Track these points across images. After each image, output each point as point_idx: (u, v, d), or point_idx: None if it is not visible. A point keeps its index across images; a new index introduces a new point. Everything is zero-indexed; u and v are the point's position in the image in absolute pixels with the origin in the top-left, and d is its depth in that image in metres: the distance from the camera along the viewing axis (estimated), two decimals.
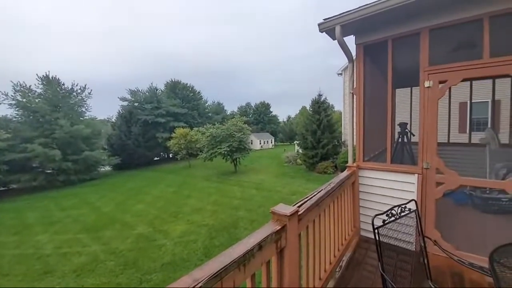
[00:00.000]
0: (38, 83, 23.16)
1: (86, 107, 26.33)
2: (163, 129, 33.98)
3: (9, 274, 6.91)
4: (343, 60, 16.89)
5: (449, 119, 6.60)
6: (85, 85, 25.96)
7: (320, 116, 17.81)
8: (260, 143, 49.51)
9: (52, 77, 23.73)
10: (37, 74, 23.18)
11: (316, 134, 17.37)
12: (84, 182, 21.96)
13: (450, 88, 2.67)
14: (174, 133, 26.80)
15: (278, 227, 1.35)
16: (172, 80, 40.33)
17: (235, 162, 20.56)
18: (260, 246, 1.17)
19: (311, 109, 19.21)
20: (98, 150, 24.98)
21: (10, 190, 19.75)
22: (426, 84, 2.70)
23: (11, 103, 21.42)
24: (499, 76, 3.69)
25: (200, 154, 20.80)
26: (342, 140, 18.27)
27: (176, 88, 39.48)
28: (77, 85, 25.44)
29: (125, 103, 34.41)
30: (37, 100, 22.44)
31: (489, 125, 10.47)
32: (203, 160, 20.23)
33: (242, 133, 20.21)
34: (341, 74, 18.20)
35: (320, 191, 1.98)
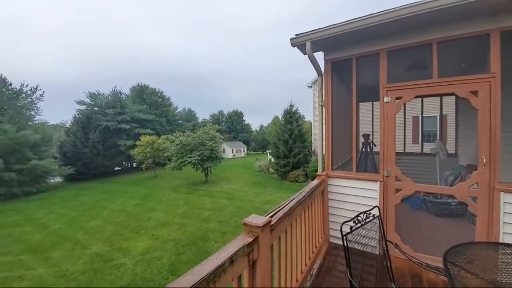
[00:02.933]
0: None
1: (36, 111, 23.66)
2: (127, 136, 31.89)
3: None
4: (313, 74, 17.93)
5: (404, 131, 7.33)
6: (37, 86, 23.44)
7: (291, 126, 18.43)
8: (233, 152, 49.22)
9: None
10: None
11: (288, 143, 17.88)
12: (29, 195, 19.35)
13: (405, 104, 3.00)
14: (140, 140, 25.30)
15: (250, 239, 1.33)
16: (139, 84, 38.44)
17: (206, 171, 20.07)
18: (231, 260, 1.14)
19: (283, 119, 19.80)
20: (48, 159, 22.36)
21: None
22: (385, 99, 2.99)
23: None
24: (446, 94, 4.24)
25: (168, 163, 19.89)
26: (312, 149, 19.06)
27: (143, 93, 37.66)
28: (26, 86, 22.83)
29: (83, 107, 31.70)
30: None
31: (437, 137, 11.88)
32: (171, 169, 19.36)
33: (214, 141, 19.92)
34: (311, 86, 19.19)
35: (291, 200, 2.03)
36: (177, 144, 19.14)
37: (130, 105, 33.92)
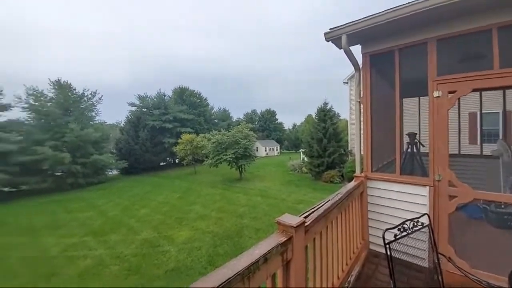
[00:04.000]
0: (50, 88, 23.92)
1: (96, 112, 26.99)
2: (170, 134, 34.36)
3: (17, 276, 6.95)
4: (349, 69, 16.93)
5: (459, 130, 6.45)
6: (96, 90, 26.71)
7: (326, 124, 17.73)
8: (266, 150, 49.43)
9: (63, 82, 24.49)
10: (49, 79, 23.98)
11: (322, 143, 17.25)
12: (91, 185, 22.23)
13: (459, 99, 2.61)
14: (181, 138, 27.06)
15: (284, 239, 1.31)
16: (179, 87, 41.05)
17: (240, 169, 20.52)
18: (265, 258, 1.13)
19: (316, 117, 19.17)
20: (106, 154, 25.38)
21: (20, 192, 20.11)
22: (435, 94, 2.65)
23: (24, 107, 22.11)
24: (510, 87, 3.60)
25: (206, 160, 20.86)
26: (349, 149, 18.07)
27: (183, 95, 40.12)
28: (87, 90, 26.19)
29: (134, 109, 35.12)
30: (48, 104, 23.11)
31: (500, 136, 10.19)
32: (209, 166, 20.26)
33: (247, 140, 20.25)
34: (347, 82, 18.18)
35: (327, 202, 1.94)
36: (213, 142, 19.95)
37: (172, 106, 36.45)
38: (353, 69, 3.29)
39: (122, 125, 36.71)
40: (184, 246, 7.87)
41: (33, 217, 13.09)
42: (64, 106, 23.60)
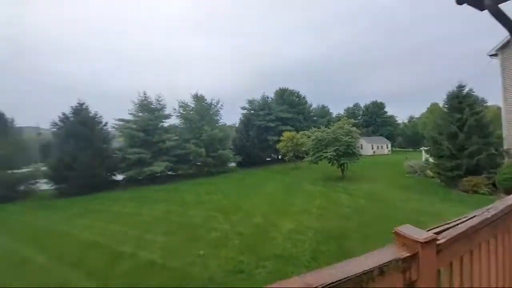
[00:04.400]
0: (192, 100, 31.46)
1: (220, 116, 33.09)
2: (273, 132, 37.00)
3: (174, 234, 9.71)
4: (495, 38, 11.98)
5: None
6: (218, 100, 32.74)
7: (462, 114, 13.53)
8: (373, 148, 43.63)
9: (199, 95, 31.54)
10: (190, 93, 31.60)
11: (457, 139, 13.31)
12: (219, 174, 27.67)
13: None
14: (282, 136, 28.57)
15: (406, 254, 1.11)
16: (280, 88, 43.24)
17: (342, 167, 19.26)
18: (381, 270, 0.98)
19: (446, 105, 14.98)
20: (227, 150, 30.82)
21: (177, 175, 27.96)
22: None
23: (177, 115, 30.44)
24: None
25: (306, 157, 21.00)
26: (505, 147, 12.96)
27: (283, 95, 41.98)
28: (213, 100, 32.55)
29: (245, 111, 40.33)
30: (191, 112, 30.55)
31: None
32: (309, 163, 20.31)
33: (349, 136, 18.66)
34: (495, 55, 13.00)
35: (471, 218, 1.54)
36: (313, 140, 19.72)
37: (274, 106, 39.08)
38: (508, 34, 2.31)
39: (237, 126, 43.16)
40: (289, 236, 8.40)
41: (184, 194, 17.85)
42: (200, 113, 30.45)
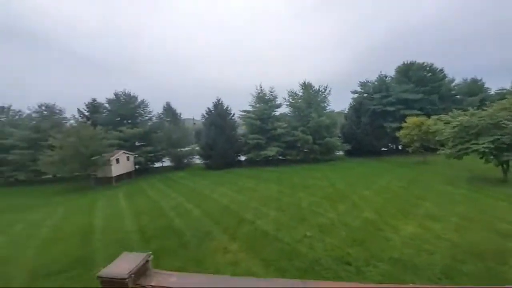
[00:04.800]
0: (300, 89, 31.86)
1: (327, 103, 31.58)
2: (392, 118, 30.98)
3: (284, 212, 10.69)
4: None
5: None
6: (326, 85, 31.11)
7: None
8: None
9: (306, 83, 31.35)
10: (298, 82, 31.97)
11: None
12: (324, 161, 27.19)
13: None
14: (405, 122, 23.38)
15: None
16: (404, 63, 34.62)
17: (504, 165, 13.54)
18: None
19: None
20: (334, 137, 29.31)
21: (286, 160, 30.03)
22: None
23: (287, 104, 31.96)
24: None
25: (442, 149, 16.22)
26: None
27: (408, 71, 33.43)
28: (321, 86, 31.31)
29: (356, 95, 36.03)
30: (299, 101, 31.11)
31: None
32: (447, 157, 15.61)
33: None
34: None
35: None
36: (454, 126, 14.76)
37: (395, 87, 32.12)
38: None
39: (345, 112, 39.61)
40: (410, 242, 7.20)
41: (293, 177, 19.06)
42: (308, 101, 30.44)
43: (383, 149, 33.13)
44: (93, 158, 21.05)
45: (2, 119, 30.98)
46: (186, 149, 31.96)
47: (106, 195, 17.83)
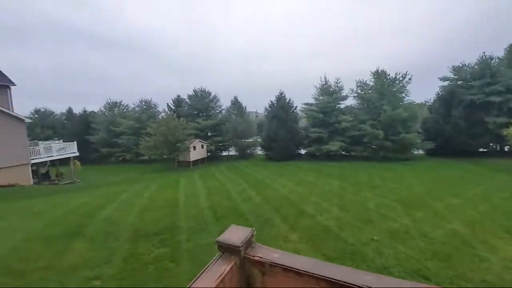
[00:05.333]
0: (371, 78, 28.36)
1: (406, 93, 27.05)
2: (498, 111, 23.86)
3: (347, 210, 10.05)
4: None
5: None
6: (406, 72, 26.49)
7: None
8: None
9: (380, 71, 27.55)
10: (370, 71, 28.45)
11: None
12: (398, 160, 23.78)
13: None
14: None
15: None
16: None
17: None
18: None
19: None
20: (413, 133, 25.06)
21: (350, 156, 27.85)
22: None
23: (354, 96, 29.14)
24: None
25: None
26: None
27: None
28: (399, 74, 26.89)
29: (446, 83, 29.29)
30: (369, 92, 27.83)
31: None
32: None
33: None
34: None
35: None
36: None
37: (505, 71, 24.21)
38: None
39: (430, 103, 32.99)
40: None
41: (358, 174, 17.60)
42: (380, 91, 26.90)
43: (481, 149, 26.27)
44: (177, 145, 25.16)
45: (115, 111, 40.06)
46: (250, 140, 33.79)
47: (186, 176, 21.01)
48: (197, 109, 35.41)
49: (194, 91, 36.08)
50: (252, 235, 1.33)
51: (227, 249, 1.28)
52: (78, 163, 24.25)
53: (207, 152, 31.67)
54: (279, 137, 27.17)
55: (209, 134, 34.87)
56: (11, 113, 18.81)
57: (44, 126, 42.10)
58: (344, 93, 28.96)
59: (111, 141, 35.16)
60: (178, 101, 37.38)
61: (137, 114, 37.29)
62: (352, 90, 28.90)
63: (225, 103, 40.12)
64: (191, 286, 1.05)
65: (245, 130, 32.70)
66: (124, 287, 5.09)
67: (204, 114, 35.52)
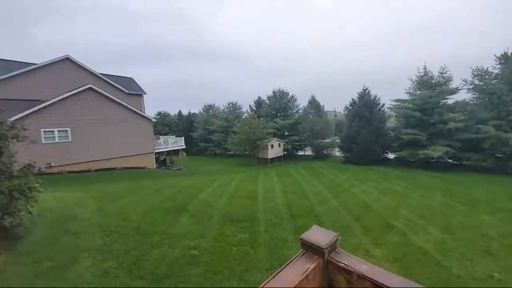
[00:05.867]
0: (496, 64, 20.72)
1: None
2: None
3: (453, 234, 7.85)
4: None
5: None
6: None
7: None
8: None
9: (510, 54, 19.66)
10: (494, 55, 20.77)
11: None
12: None
13: None
14: None
15: None
16: None
17: None
18: None
19: None
20: None
21: (461, 165, 21.54)
22: None
23: (468, 88, 22.14)
24: None
25: None
26: None
27: None
28: None
29: None
30: (493, 82, 20.46)
31: None
32: None
33: None
34: None
35: None
36: None
37: None
38: None
39: None
40: None
41: (473, 190, 13.50)
42: (510, 81, 19.31)
43: None
44: (257, 142, 27.12)
45: (210, 112, 47.03)
46: (327, 140, 32.03)
47: (264, 172, 22.35)
48: (275, 109, 36.80)
49: (273, 92, 37.68)
50: (337, 239, 1.35)
51: (310, 248, 1.35)
52: (184, 154, 30.27)
53: (284, 151, 32.36)
54: (360, 138, 24.38)
55: (286, 133, 35.53)
56: (144, 115, 25.34)
57: (163, 124, 54.79)
58: (452, 85, 22.57)
59: (207, 137, 41.91)
60: (259, 102, 40.07)
61: (225, 115, 42.60)
62: (466, 81, 22.10)
63: (302, 102, 39.72)
64: (278, 273, 1.20)
65: (322, 130, 31.22)
66: (212, 261, 6.03)
67: (281, 113, 36.47)
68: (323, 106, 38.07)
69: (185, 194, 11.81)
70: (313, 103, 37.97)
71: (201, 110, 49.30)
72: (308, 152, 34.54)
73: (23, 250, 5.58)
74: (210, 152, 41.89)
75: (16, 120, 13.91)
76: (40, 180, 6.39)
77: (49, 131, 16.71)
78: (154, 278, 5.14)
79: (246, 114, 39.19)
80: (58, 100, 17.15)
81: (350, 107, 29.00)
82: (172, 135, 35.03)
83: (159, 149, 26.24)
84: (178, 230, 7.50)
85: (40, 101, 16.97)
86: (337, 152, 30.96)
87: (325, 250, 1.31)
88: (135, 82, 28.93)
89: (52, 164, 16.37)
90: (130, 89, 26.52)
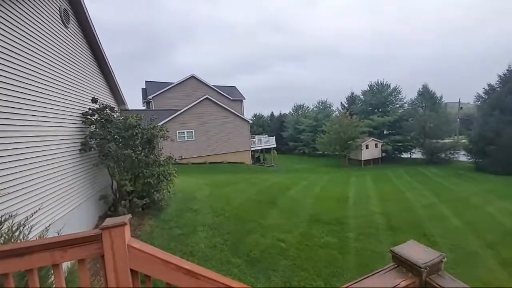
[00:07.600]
0: None
1: None
2: None
3: None
4: None
5: None
6: None
7: None
8: None
9: None
10: None
11: None
12: None
13: None
14: None
15: None
16: None
17: None
18: None
19: None
20: None
21: None
22: None
23: None
24: None
25: None
26: None
27: None
28: None
29: None
30: None
31: None
32: None
33: None
34: None
35: None
36: None
37: None
38: None
39: None
40: None
41: None
42: None
43: None
44: (348, 142, 24.72)
45: (299, 112, 47.16)
46: (445, 140, 24.52)
47: (356, 174, 20.12)
48: (371, 105, 31.97)
49: (369, 85, 32.83)
50: (441, 261, 1.16)
51: (402, 263, 1.23)
52: (275, 152, 32.13)
53: (382, 152, 27.67)
54: (503, 139, 17.08)
55: (385, 132, 30.19)
56: (243, 117, 28.86)
57: (257, 125, 60.28)
58: None
59: (296, 137, 42.49)
60: (351, 99, 36.28)
61: (314, 114, 41.51)
62: None
63: (409, 94, 32.20)
64: (363, 280, 1.19)
65: (438, 127, 24.13)
66: (299, 264, 6.17)
67: (380, 110, 31.22)
68: (441, 97, 29.10)
69: (276, 190, 12.62)
70: (425, 94, 29.80)
71: (291, 110, 50.43)
72: (417, 154, 27.74)
73: (164, 218, 7.52)
74: (299, 151, 42.16)
75: (162, 124, 19.65)
76: (175, 168, 8.72)
77: (181, 132, 22.45)
78: (248, 259, 5.94)
79: (337, 112, 36.47)
80: (187, 109, 22.72)
81: (484, 96, 20.62)
82: (265, 134, 37.99)
83: (254, 147, 29.17)
84: (269, 222, 8.18)
85: (175, 110, 23.08)
86: (462, 156, 22.99)
87: (422, 270, 1.18)
88: (237, 90, 33.50)
89: (183, 157, 21.90)
90: (234, 96, 30.95)
